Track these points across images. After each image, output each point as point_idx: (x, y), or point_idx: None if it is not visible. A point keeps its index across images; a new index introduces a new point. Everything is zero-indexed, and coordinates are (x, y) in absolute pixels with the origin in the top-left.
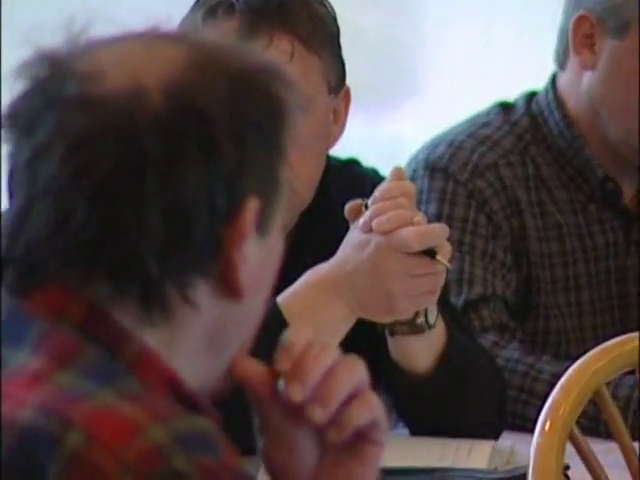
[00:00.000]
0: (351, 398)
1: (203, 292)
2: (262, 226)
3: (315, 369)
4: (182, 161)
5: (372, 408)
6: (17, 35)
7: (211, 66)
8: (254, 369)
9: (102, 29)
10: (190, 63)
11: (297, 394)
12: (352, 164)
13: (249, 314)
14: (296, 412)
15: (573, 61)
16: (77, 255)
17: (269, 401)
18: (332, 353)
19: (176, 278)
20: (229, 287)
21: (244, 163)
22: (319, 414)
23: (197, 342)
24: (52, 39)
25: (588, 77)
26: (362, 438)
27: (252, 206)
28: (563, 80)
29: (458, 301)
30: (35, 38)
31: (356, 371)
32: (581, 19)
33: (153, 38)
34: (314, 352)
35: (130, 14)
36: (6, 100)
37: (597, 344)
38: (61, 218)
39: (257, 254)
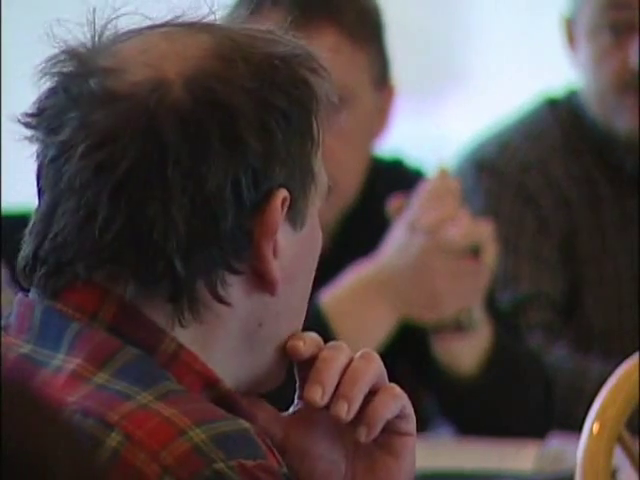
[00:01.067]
0: (373, 394)
1: (236, 288)
2: (295, 218)
3: (332, 370)
4: (205, 154)
5: (397, 399)
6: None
7: (235, 54)
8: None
9: (127, 22)
10: (212, 52)
11: (318, 397)
12: (397, 164)
13: (286, 308)
14: (320, 417)
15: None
16: (102, 254)
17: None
18: (345, 351)
19: (205, 275)
20: (262, 281)
21: (271, 154)
22: (345, 410)
23: (233, 340)
24: (75, 34)
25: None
26: (392, 432)
27: (281, 197)
28: None
29: (504, 300)
30: (58, 33)
31: (373, 364)
32: (563, 26)
33: (175, 28)
34: (327, 353)
35: (155, 4)
36: (6, 99)
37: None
38: (85, 216)
39: (291, 246)
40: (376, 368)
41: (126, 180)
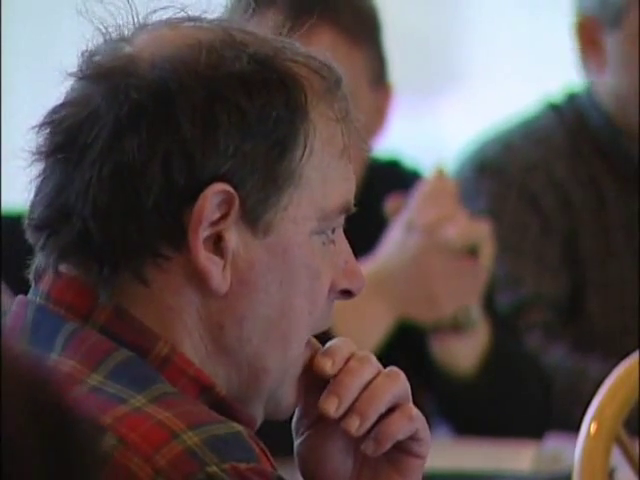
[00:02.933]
0: (391, 411)
1: (173, 275)
2: (254, 222)
3: (354, 385)
4: (134, 124)
5: (413, 421)
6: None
7: (219, 46)
8: None
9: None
10: (198, 42)
11: (333, 409)
12: (394, 164)
13: (251, 315)
14: (332, 422)
15: (588, 66)
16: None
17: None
18: (373, 365)
19: (128, 251)
20: (199, 275)
21: (210, 143)
22: (356, 426)
23: (199, 340)
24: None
25: (605, 77)
26: (403, 451)
27: (216, 189)
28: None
29: (506, 302)
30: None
31: (397, 383)
32: (579, 26)
33: (192, 22)
34: (354, 365)
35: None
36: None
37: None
38: (39, 186)
39: (248, 250)
40: (399, 387)
41: (65, 145)
